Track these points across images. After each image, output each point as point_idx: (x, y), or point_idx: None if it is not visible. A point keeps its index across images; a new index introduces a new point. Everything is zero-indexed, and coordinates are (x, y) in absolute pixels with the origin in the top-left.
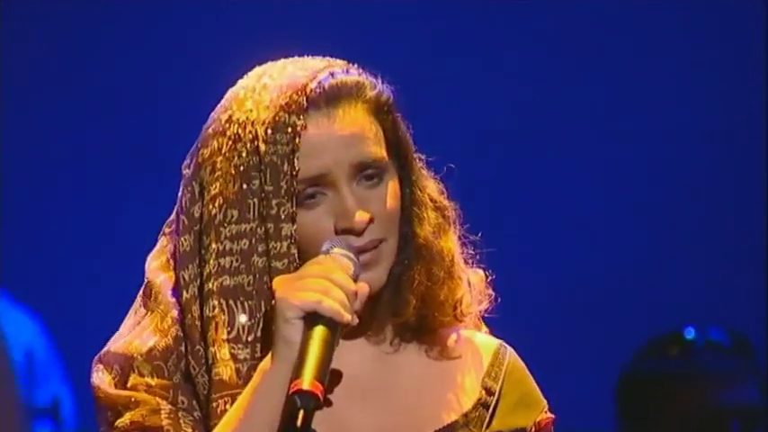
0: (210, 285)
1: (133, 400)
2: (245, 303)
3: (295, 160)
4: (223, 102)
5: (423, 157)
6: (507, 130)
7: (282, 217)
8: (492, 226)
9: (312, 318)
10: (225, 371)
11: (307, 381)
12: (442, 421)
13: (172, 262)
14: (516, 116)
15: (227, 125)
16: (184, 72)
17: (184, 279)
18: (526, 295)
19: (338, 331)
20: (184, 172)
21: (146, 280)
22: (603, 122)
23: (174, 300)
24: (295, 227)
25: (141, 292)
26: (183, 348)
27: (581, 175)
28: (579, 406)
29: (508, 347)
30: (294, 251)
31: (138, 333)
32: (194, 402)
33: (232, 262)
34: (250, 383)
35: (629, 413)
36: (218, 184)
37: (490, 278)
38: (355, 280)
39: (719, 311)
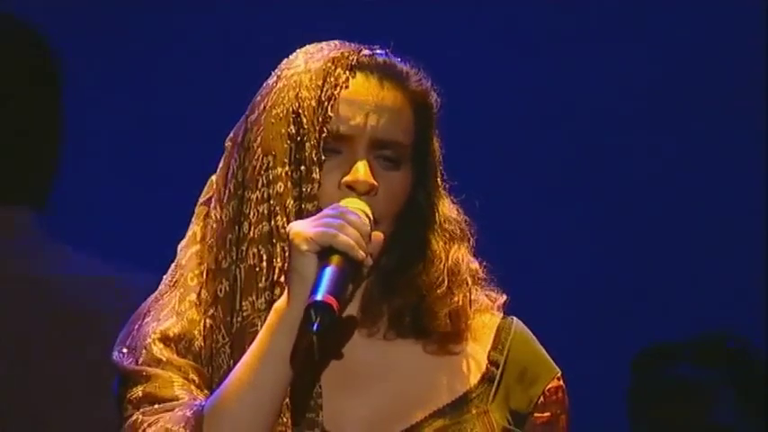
0: (252, 234)
1: (144, 374)
2: (279, 246)
3: (329, 107)
4: (275, 70)
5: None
6: (510, 128)
7: (315, 160)
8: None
9: (327, 253)
10: (260, 321)
11: (320, 294)
12: (439, 402)
13: (203, 233)
14: (521, 117)
15: (275, 83)
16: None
17: (229, 242)
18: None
19: (353, 269)
20: (227, 144)
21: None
22: (603, 124)
23: (194, 283)
24: (321, 172)
25: (170, 268)
26: (196, 331)
27: (578, 176)
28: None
29: (515, 319)
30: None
31: (155, 314)
32: (202, 383)
33: (269, 207)
34: (266, 323)
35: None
36: (260, 138)
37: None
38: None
39: (719, 314)
